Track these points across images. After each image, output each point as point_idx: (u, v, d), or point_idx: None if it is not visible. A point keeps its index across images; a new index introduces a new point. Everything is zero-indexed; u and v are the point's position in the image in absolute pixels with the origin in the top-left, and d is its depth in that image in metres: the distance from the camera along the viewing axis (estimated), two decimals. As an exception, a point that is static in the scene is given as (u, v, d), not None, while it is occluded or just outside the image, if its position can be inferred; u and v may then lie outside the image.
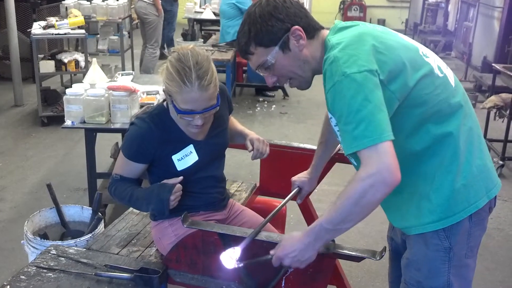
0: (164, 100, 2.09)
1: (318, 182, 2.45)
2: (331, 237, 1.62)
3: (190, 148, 2.04)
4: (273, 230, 2.20)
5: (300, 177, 2.26)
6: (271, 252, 1.71)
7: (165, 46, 8.80)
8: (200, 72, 1.83)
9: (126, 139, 2.03)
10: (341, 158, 2.51)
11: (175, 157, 2.03)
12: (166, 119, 2.02)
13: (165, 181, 2.01)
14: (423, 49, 1.68)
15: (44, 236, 2.63)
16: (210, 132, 2.08)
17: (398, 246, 1.88)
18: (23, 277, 1.94)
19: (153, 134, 1.98)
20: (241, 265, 1.78)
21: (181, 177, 2.00)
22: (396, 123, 1.53)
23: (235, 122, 2.36)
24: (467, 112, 1.66)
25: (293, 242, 1.64)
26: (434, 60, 1.67)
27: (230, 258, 1.77)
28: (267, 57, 1.66)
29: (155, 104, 3.48)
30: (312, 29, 1.67)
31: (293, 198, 2.28)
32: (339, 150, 2.51)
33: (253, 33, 1.64)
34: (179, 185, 1.98)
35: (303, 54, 1.66)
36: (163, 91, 1.95)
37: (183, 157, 2.03)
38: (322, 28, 1.71)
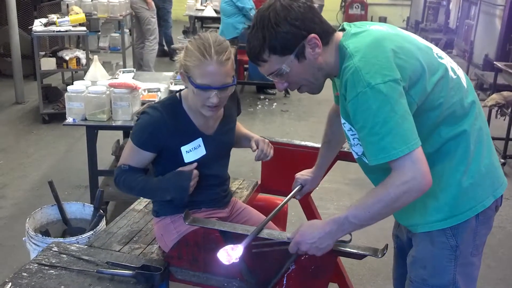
0: (177, 92, 2.11)
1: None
2: (352, 230, 1.62)
3: (199, 141, 2.05)
4: (274, 228, 2.20)
5: (304, 175, 2.26)
6: (288, 235, 1.70)
7: (164, 43, 8.77)
8: (218, 48, 1.88)
9: (137, 127, 2.03)
10: (342, 156, 2.50)
11: (184, 149, 2.03)
12: (178, 110, 2.03)
13: (180, 169, 2.02)
14: (436, 50, 1.67)
15: (45, 233, 2.64)
16: (219, 128, 2.10)
17: (403, 244, 1.88)
18: (25, 274, 1.94)
19: (165, 123, 1.99)
20: (237, 260, 1.77)
21: (195, 164, 2.03)
22: None
23: (240, 126, 2.37)
24: (477, 112, 1.66)
25: (313, 229, 1.64)
26: (447, 62, 1.65)
27: (229, 255, 1.77)
28: (282, 66, 1.60)
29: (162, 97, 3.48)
30: (326, 34, 1.61)
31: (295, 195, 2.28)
32: (341, 148, 2.51)
33: (267, 40, 1.56)
34: (196, 171, 2.01)
35: (318, 62, 1.62)
36: (180, 73, 1.97)
37: (191, 150, 2.04)
38: (335, 31, 1.66)
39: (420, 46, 1.62)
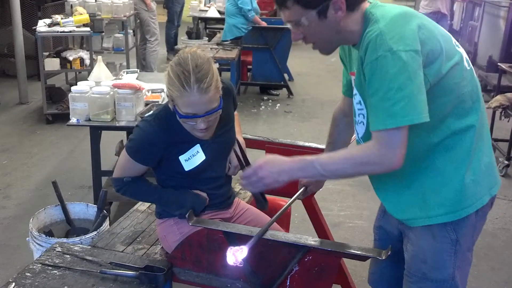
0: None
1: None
2: (312, 177, 1.66)
3: (197, 148, 2.04)
4: (278, 229, 2.19)
5: None
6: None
7: (165, 43, 8.72)
8: (199, 75, 1.82)
9: (132, 142, 2.02)
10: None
11: (182, 158, 2.02)
12: (172, 120, 1.99)
13: (198, 192, 2.10)
14: (454, 40, 1.68)
15: (49, 233, 2.64)
16: (216, 131, 2.07)
17: (388, 237, 1.89)
18: (28, 274, 1.95)
19: (160, 138, 1.97)
20: (241, 264, 1.77)
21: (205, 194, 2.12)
22: None
23: (236, 120, 2.34)
24: (482, 109, 1.68)
25: (278, 160, 1.67)
26: (463, 52, 1.67)
27: (235, 255, 1.76)
28: (302, 18, 1.60)
29: (160, 103, 3.49)
30: (355, 1, 1.61)
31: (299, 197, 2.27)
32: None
33: None
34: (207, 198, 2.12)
35: (338, 25, 1.62)
36: (167, 96, 1.95)
37: (190, 157, 2.03)
38: (364, 0, 1.66)
39: (441, 31, 1.63)
